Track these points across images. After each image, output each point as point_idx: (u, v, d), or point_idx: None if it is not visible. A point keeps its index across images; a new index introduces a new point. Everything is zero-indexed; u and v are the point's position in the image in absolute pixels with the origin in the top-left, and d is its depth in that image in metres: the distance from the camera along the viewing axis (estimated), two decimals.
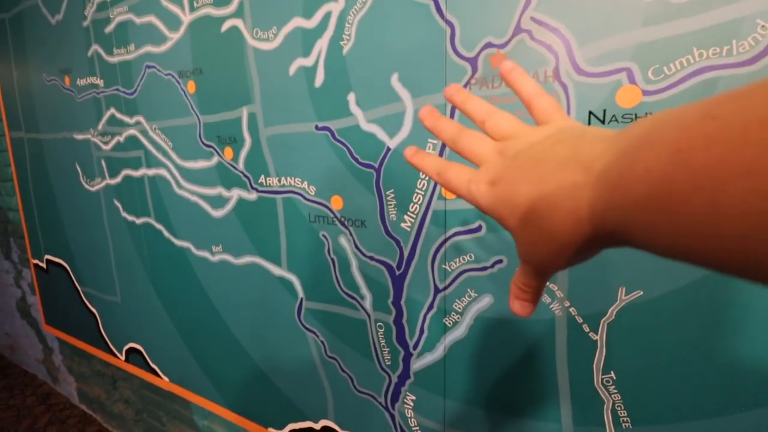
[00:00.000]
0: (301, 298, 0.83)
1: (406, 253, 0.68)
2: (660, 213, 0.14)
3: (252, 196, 0.85)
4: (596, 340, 0.55)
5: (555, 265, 0.22)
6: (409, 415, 0.74)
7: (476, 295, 0.63)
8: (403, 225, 0.67)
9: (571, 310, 0.56)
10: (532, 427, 0.62)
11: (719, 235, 0.12)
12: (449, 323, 0.66)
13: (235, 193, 0.88)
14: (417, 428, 0.74)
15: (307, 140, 0.74)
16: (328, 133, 0.72)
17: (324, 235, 0.76)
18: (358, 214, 0.71)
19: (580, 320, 0.55)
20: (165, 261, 1.08)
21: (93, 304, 1.37)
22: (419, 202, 0.64)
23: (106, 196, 1.18)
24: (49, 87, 1.26)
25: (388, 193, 0.67)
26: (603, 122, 0.49)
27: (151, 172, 1.04)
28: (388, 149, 0.66)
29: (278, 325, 0.88)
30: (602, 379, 0.55)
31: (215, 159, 0.89)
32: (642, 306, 0.51)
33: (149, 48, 0.95)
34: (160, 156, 1.00)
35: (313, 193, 0.76)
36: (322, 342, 0.82)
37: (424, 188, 0.64)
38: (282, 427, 0.94)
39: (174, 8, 0.88)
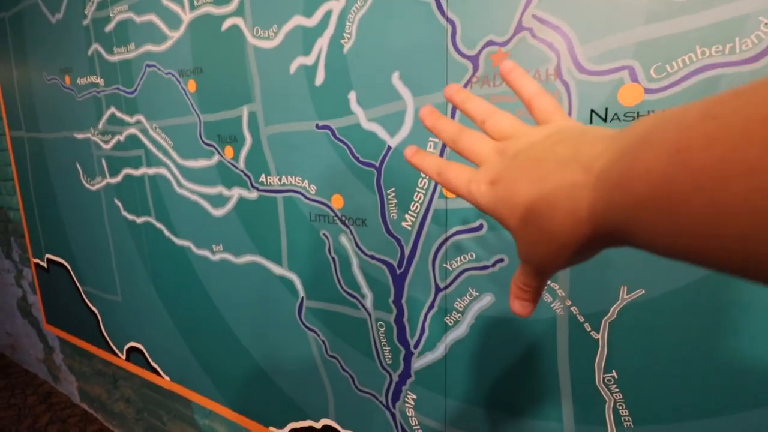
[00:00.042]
0: (302, 297, 0.83)
1: (407, 252, 0.67)
2: (660, 213, 0.14)
3: (252, 195, 0.85)
4: (598, 339, 0.55)
5: (555, 265, 0.22)
6: (410, 414, 0.74)
7: (477, 294, 0.62)
8: (404, 224, 0.67)
9: (572, 309, 0.56)
10: (533, 426, 0.62)
11: (720, 234, 0.12)
12: (450, 322, 0.66)
13: (236, 192, 0.88)
14: (418, 427, 0.74)
15: (308, 139, 0.74)
16: (329, 132, 0.72)
17: (325, 234, 0.76)
18: (358, 212, 0.71)
19: (581, 319, 0.55)
20: (165, 260, 1.08)
21: (94, 303, 1.37)
22: (420, 201, 0.64)
23: (106, 195, 1.18)
24: (49, 86, 1.26)
25: (388, 191, 0.67)
26: (605, 121, 0.49)
27: (152, 171, 1.04)
28: (389, 148, 0.66)
29: (279, 325, 0.88)
30: (604, 378, 0.55)
31: (216, 158, 0.89)
32: (644, 305, 0.51)
33: (149, 47, 0.95)
34: (160, 155, 1.00)
35: (313, 192, 0.76)
36: (323, 341, 0.82)
37: (425, 187, 0.64)
38: (283, 426, 0.94)
39: (174, 7, 0.88)
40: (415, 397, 0.73)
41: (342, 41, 0.67)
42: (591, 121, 0.50)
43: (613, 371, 0.55)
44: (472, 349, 0.65)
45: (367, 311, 0.74)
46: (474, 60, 0.56)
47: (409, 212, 0.66)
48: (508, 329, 0.61)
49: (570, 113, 0.51)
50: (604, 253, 0.21)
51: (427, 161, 0.28)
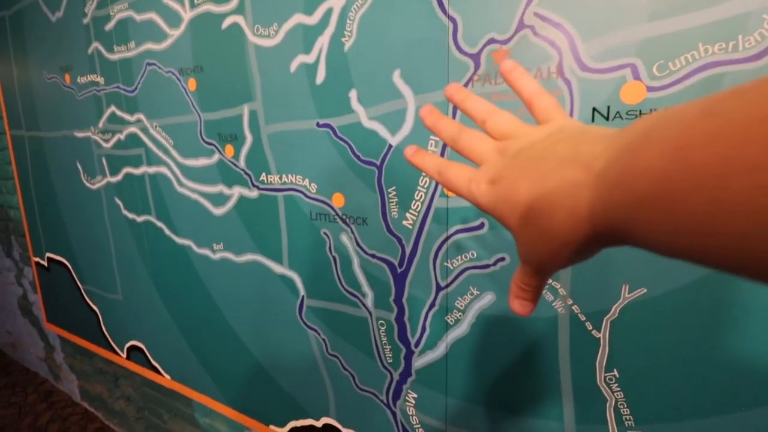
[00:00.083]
0: (303, 296, 0.83)
1: (407, 251, 0.67)
2: (660, 211, 0.14)
3: (253, 193, 0.85)
4: (599, 337, 0.55)
5: (555, 264, 0.22)
6: (410, 413, 0.74)
7: (478, 292, 0.62)
8: (404, 222, 0.67)
9: (573, 307, 0.56)
10: (534, 425, 0.62)
11: (720, 232, 0.12)
12: (451, 321, 0.66)
13: (236, 191, 0.88)
14: (419, 426, 0.74)
15: (309, 138, 0.74)
16: (330, 131, 0.71)
17: (325, 233, 0.76)
18: (359, 211, 0.71)
19: (582, 318, 0.55)
20: (166, 259, 1.08)
21: (94, 301, 1.37)
22: (421, 200, 0.64)
23: (107, 194, 1.18)
24: (49, 85, 1.26)
25: (389, 190, 0.67)
26: (607, 119, 0.49)
27: (152, 169, 1.03)
28: (390, 146, 0.66)
29: (280, 323, 0.88)
30: (605, 377, 0.55)
31: (216, 157, 0.89)
32: (645, 304, 0.51)
33: (150, 45, 0.95)
34: (160, 154, 1.00)
35: (314, 191, 0.76)
36: (324, 340, 0.82)
37: (426, 186, 0.63)
38: (283, 424, 0.94)
39: (174, 5, 0.88)
40: (415, 395, 0.73)
41: (343, 39, 0.67)
42: (593, 120, 0.50)
43: (615, 370, 0.55)
44: (473, 347, 0.65)
45: (367, 310, 0.74)
46: (475, 58, 0.56)
47: (410, 211, 0.66)
48: (509, 328, 0.61)
49: (572, 111, 0.51)
50: (605, 251, 0.21)
51: (427, 161, 0.28)
